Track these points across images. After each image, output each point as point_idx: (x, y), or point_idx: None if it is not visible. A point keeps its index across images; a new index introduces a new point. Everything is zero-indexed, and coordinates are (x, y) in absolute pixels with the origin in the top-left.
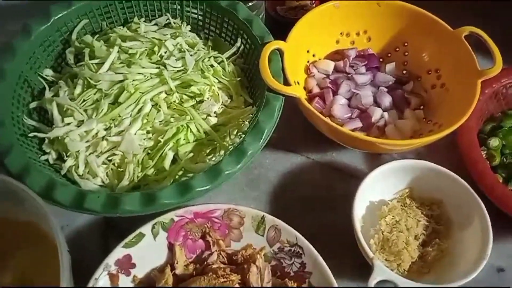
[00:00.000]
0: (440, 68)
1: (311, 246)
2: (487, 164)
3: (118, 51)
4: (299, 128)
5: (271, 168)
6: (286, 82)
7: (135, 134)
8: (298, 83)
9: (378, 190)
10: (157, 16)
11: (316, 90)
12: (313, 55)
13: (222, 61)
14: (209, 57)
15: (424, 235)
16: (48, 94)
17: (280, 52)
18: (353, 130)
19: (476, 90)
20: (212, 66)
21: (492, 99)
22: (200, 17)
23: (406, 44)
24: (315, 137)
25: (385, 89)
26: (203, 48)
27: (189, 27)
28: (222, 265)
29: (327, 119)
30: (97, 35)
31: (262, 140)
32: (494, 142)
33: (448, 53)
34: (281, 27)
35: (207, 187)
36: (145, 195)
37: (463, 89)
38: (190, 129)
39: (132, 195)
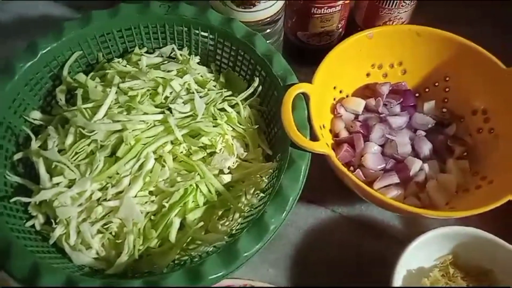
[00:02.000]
0: (488, 109)
1: None
2: None
3: (116, 92)
4: (323, 177)
5: (291, 224)
6: (313, 136)
7: (135, 196)
8: (324, 126)
9: (417, 257)
10: (161, 45)
11: (344, 133)
12: (340, 92)
13: (237, 104)
14: (222, 100)
15: None
16: (34, 144)
17: (305, 96)
18: (388, 186)
19: None
20: (225, 110)
21: None
22: (211, 47)
23: (447, 78)
24: (341, 187)
25: (423, 133)
26: (215, 87)
27: (198, 58)
28: None
29: (361, 183)
30: (92, 71)
31: (286, 212)
32: None
33: (498, 93)
34: (301, 54)
35: (221, 274)
36: (147, 284)
37: None
38: (200, 189)
39: (131, 283)
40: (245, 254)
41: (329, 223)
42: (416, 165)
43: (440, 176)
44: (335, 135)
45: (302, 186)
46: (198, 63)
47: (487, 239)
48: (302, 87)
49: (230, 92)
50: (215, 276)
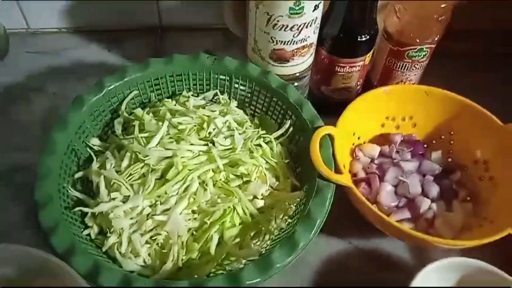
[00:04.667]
0: (488, 160)
1: None
2: None
3: (167, 126)
4: (342, 212)
5: (312, 252)
6: (338, 170)
7: (180, 213)
8: (344, 167)
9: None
10: (204, 90)
11: (361, 174)
12: (358, 138)
13: (270, 141)
14: (258, 137)
15: None
16: (94, 165)
17: (330, 137)
18: (400, 221)
19: None
20: (260, 146)
21: None
22: (248, 94)
23: (452, 133)
24: (358, 222)
25: (432, 178)
26: (250, 126)
27: (235, 103)
28: None
29: (380, 213)
30: (146, 108)
31: (313, 232)
32: None
33: (497, 147)
34: (323, 106)
35: (257, 280)
36: (194, 284)
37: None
38: (237, 211)
39: (180, 284)
40: (278, 265)
41: (346, 254)
42: (425, 204)
43: (447, 215)
44: (353, 175)
45: (328, 212)
46: (236, 106)
47: (489, 271)
48: (329, 129)
49: (264, 132)
50: (251, 281)
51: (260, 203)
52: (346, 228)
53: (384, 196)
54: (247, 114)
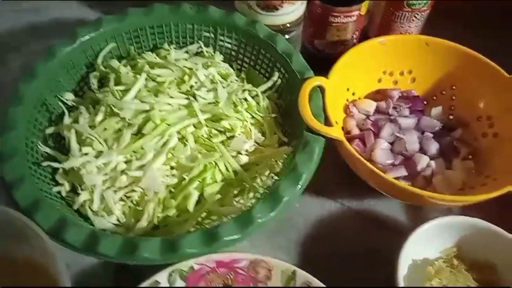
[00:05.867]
0: (492, 115)
1: None
2: None
3: (145, 79)
4: (333, 171)
5: (301, 214)
6: (328, 123)
7: (157, 169)
8: (336, 123)
9: (422, 248)
10: (188, 44)
11: (355, 131)
12: (353, 94)
13: (257, 95)
14: (243, 91)
15: None
16: (67, 120)
17: (321, 89)
18: (396, 179)
19: None
20: (245, 100)
21: None
22: (234, 47)
23: (454, 87)
24: (351, 181)
25: (431, 135)
26: (236, 81)
27: (221, 57)
28: None
29: (373, 167)
30: (124, 60)
31: (300, 186)
32: None
33: (502, 101)
34: (317, 62)
35: (236, 237)
36: (166, 242)
37: None
38: (219, 167)
39: (152, 241)
40: (260, 221)
41: (337, 215)
42: (423, 161)
43: (446, 172)
44: (347, 132)
45: (316, 167)
46: (222, 61)
47: (489, 230)
48: (319, 80)
49: (251, 85)
50: (230, 238)
51: (244, 159)
52: (338, 189)
53: (379, 153)
54: (233, 69)
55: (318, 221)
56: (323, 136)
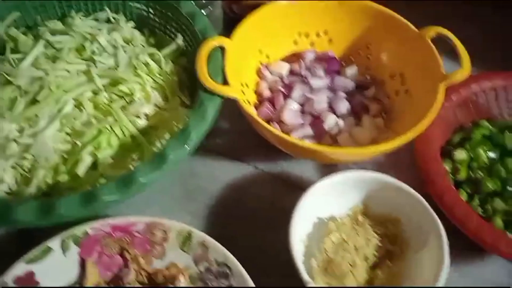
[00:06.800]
0: (404, 72)
1: (240, 267)
2: (447, 178)
3: (45, 46)
4: (247, 135)
5: (213, 179)
6: (226, 83)
7: (50, 136)
8: (247, 85)
9: (329, 205)
10: (98, 11)
11: (267, 93)
12: (268, 57)
13: (159, 58)
14: (144, 54)
15: (375, 256)
16: None
17: (223, 50)
18: (303, 138)
19: (437, 95)
20: (148, 64)
21: (461, 107)
22: (144, 12)
23: (369, 47)
24: (264, 145)
25: (344, 95)
26: (143, 45)
27: (132, 23)
28: (139, 286)
29: (267, 125)
30: (24, 28)
31: (188, 145)
32: (460, 154)
33: (412, 56)
34: (235, 26)
35: (115, 197)
36: (41, 204)
37: (426, 94)
38: (115, 132)
39: (27, 204)
40: (142, 180)
41: (250, 178)
42: (330, 119)
43: (354, 130)
44: (260, 95)
45: (209, 125)
46: (134, 27)
47: (392, 185)
48: (220, 41)
49: (154, 49)
50: (109, 199)
51: (142, 122)
52: (253, 153)
53: (287, 114)
54: (145, 34)
55: (230, 185)
56: (221, 97)
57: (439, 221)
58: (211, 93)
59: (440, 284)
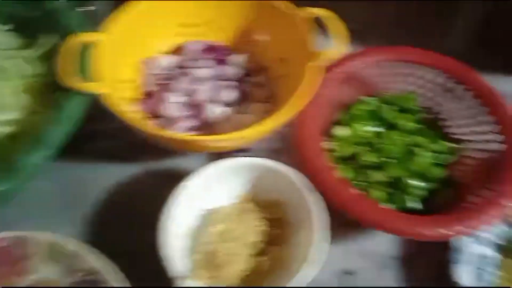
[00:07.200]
0: (286, 56)
1: (115, 274)
2: (323, 157)
3: None
4: (131, 134)
5: (96, 183)
6: (93, 79)
7: None
8: (131, 82)
9: (214, 196)
10: None
11: (150, 88)
12: (151, 50)
13: (26, 60)
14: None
15: (262, 242)
16: None
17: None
18: (189, 130)
19: (305, 73)
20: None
21: (345, 84)
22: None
23: (254, 34)
24: (152, 142)
25: (231, 83)
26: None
27: (7, 26)
28: None
29: (137, 120)
30: None
31: (41, 152)
32: (338, 130)
33: (290, 39)
34: None
35: None
36: None
37: (301, 75)
38: None
39: None
40: None
41: (136, 178)
42: (214, 108)
43: (234, 117)
44: (143, 90)
45: (68, 127)
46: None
47: (273, 169)
48: (89, 36)
49: (28, 51)
50: None
51: (8, 130)
52: (139, 153)
53: (168, 107)
54: (25, 37)
55: (115, 186)
56: (85, 95)
57: (309, 198)
58: (75, 92)
59: (313, 261)
